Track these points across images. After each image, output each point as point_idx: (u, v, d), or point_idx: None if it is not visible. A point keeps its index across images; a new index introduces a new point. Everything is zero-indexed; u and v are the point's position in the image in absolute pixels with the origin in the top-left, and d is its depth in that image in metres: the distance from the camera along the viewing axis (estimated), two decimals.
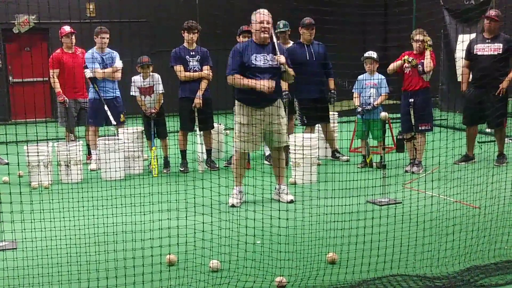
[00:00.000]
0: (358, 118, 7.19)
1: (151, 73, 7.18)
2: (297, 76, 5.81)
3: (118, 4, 10.99)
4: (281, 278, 3.53)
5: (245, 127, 5.44)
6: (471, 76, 7.26)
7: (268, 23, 5.42)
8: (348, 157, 7.63)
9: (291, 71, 5.57)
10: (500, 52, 6.87)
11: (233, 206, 5.43)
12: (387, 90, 7.08)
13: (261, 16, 5.41)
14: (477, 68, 7.06)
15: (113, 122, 7.31)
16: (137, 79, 7.20)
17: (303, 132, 7.31)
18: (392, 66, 6.88)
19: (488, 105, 6.83)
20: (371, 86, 7.09)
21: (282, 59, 5.40)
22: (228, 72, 5.46)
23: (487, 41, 7.00)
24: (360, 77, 7.21)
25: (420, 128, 6.73)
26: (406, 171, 6.73)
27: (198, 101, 6.97)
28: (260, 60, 5.41)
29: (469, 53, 7.16)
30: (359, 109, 7.05)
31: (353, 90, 7.26)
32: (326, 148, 7.79)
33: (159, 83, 7.18)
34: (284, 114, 5.78)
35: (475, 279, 3.53)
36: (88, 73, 7.40)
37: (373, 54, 7.10)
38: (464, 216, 4.60)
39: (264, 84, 5.31)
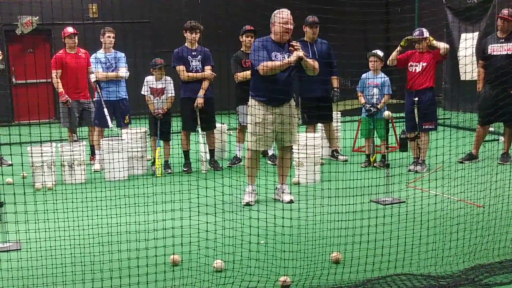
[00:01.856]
0: (363, 116, 7.18)
1: (164, 75, 7.20)
2: (301, 75, 5.79)
3: (121, 4, 11.01)
4: (285, 278, 3.53)
5: (259, 126, 5.42)
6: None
7: (291, 24, 5.39)
8: (347, 157, 7.60)
9: (312, 62, 5.52)
10: None
11: (248, 204, 5.40)
12: (390, 91, 7.06)
13: (286, 16, 5.35)
14: (492, 68, 7.01)
15: (110, 125, 7.30)
16: (150, 80, 7.20)
17: (305, 131, 7.30)
18: (392, 56, 6.82)
19: (504, 104, 6.78)
20: (373, 86, 7.08)
21: (299, 50, 5.34)
22: (257, 63, 5.34)
23: (500, 40, 6.98)
24: (363, 75, 7.20)
25: (424, 127, 6.71)
26: (410, 170, 6.72)
27: (200, 101, 6.97)
28: (279, 59, 5.37)
29: (484, 53, 7.15)
30: (367, 107, 7.03)
31: (357, 89, 7.24)
32: (329, 147, 7.78)
33: (171, 85, 7.19)
34: (296, 114, 5.73)
35: (480, 278, 3.52)
36: (93, 78, 7.43)
37: (378, 51, 7.10)
38: (468, 215, 4.60)
39: (292, 58, 5.29)
